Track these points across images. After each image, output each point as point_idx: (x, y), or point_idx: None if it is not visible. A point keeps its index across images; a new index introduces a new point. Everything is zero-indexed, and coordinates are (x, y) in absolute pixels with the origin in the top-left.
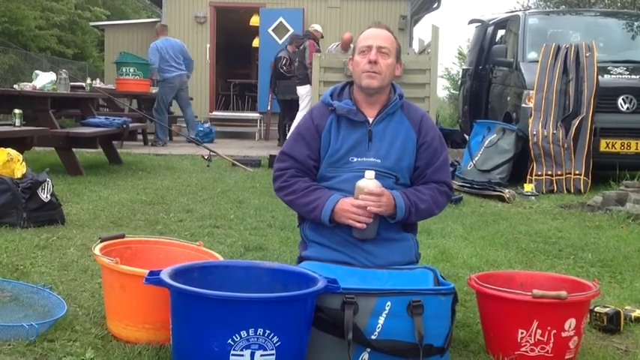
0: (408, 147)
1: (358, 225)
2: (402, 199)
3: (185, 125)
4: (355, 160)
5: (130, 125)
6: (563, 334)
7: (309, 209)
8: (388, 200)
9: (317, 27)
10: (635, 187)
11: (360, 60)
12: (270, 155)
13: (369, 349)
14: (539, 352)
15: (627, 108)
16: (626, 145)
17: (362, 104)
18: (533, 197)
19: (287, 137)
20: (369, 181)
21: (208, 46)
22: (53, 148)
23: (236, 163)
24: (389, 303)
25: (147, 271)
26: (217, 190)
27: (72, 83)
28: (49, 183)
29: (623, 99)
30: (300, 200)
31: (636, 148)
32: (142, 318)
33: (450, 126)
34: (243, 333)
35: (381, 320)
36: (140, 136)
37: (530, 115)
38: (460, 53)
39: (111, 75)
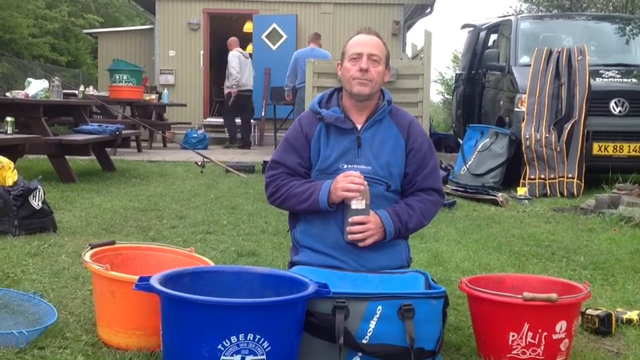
0: (397, 153)
1: (351, 194)
2: (391, 224)
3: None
4: (346, 166)
5: (123, 132)
6: (554, 337)
7: (305, 197)
8: (376, 225)
9: None
10: (627, 190)
11: (351, 67)
12: (264, 161)
13: (360, 354)
14: (530, 354)
15: (619, 111)
16: (618, 148)
17: (350, 110)
18: (526, 201)
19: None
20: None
21: (202, 52)
22: (46, 156)
23: (230, 169)
24: (380, 307)
25: (137, 278)
26: (210, 197)
27: (65, 91)
28: (41, 190)
29: (615, 102)
30: (295, 191)
31: (628, 151)
32: (132, 324)
33: (444, 130)
34: (234, 338)
35: (372, 324)
36: (134, 143)
37: (523, 119)
38: (455, 57)
39: (104, 82)
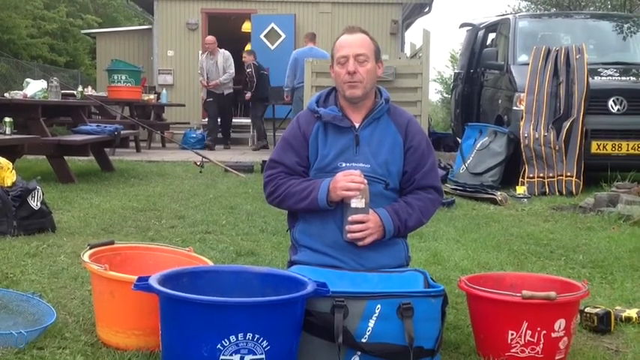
0: (396, 151)
1: (351, 194)
2: (390, 222)
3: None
4: (344, 165)
5: (122, 132)
6: (553, 335)
7: (304, 196)
8: (375, 224)
9: None
10: (626, 188)
11: (340, 71)
12: (263, 161)
13: (359, 353)
14: (529, 352)
15: (618, 109)
16: (617, 147)
17: (348, 109)
18: (525, 199)
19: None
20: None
21: (200, 52)
22: (45, 156)
23: (228, 169)
24: (379, 306)
25: (136, 277)
26: (209, 196)
27: (63, 91)
28: (39, 191)
29: (613, 100)
30: (294, 190)
31: (627, 150)
32: (131, 324)
33: (443, 130)
34: (233, 338)
35: (371, 323)
36: (132, 143)
37: (522, 118)
38: (453, 57)
39: (103, 82)
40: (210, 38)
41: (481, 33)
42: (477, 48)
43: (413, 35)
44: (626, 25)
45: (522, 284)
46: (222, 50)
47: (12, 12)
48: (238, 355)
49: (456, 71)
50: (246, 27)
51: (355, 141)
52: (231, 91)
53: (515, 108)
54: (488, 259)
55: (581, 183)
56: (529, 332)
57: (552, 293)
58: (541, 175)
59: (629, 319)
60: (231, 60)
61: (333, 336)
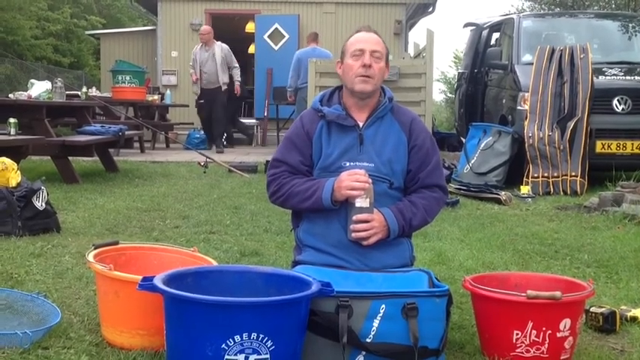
0: (400, 150)
1: (356, 193)
2: (395, 222)
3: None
4: (348, 164)
5: (126, 133)
6: (559, 335)
7: (308, 195)
8: (380, 224)
9: None
10: (631, 187)
11: (353, 64)
12: (267, 161)
13: (364, 352)
14: (534, 352)
15: (622, 109)
16: (621, 146)
17: (352, 108)
18: (529, 199)
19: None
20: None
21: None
22: (49, 157)
23: (232, 169)
24: (383, 306)
25: (140, 277)
26: (213, 197)
27: (67, 92)
28: (44, 191)
29: (618, 100)
30: (297, 189)
31: (632, 149)
32: (136, 324)
33: (447, 129)
34: (237, 337)
35: (376, 323)
36: (136, 144)
37: (526, 118)
38: (456, 56)
39: (107, 83)
40: (206, 28)
41: (485, 33)
42: (480, 48)
43: (416, 35)
44: (630, 25)
45: (527, 284)
46: (220, 43)
47: (16, 13)
48: (243, 355)
49: (459, 71)
50: (250, 27)
51: (359, 140)
52: (227, 86)
53: (519, 108)
54: (492, 259)
55: (586, 182)
56: (534, 332)
57: (557, 293)
58: (545, 174)
59: (634, 319)
60: (232, 54)
61: (337, 336)
